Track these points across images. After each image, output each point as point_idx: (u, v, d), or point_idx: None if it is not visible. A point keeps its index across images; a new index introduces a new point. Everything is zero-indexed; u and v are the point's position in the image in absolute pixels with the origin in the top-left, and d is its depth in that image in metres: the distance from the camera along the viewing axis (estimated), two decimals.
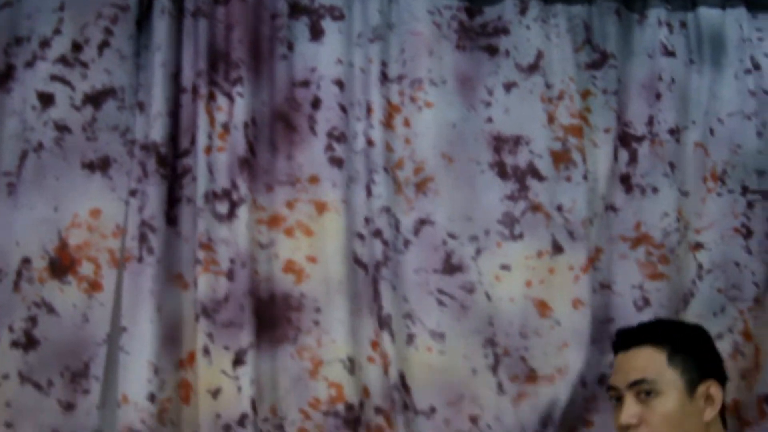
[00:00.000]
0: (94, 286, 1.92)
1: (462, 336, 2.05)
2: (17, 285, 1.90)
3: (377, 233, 2.06)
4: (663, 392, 1.63)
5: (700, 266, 2.13)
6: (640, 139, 2.17)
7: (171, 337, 1.96)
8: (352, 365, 1.98)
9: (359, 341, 2.01)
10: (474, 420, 2.01)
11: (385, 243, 2.05)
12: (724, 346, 2.09)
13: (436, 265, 2.07)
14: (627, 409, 1.63)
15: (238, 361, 1.94)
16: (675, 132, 2.18)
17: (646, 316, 2.07)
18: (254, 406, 1.92)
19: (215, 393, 1.91)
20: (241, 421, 1.91)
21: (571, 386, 2.03)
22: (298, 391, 1.97)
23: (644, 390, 1.63)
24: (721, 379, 1.68)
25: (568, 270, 2.08)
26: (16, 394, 1.85)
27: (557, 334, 2.06)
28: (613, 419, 1.67)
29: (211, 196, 2.01)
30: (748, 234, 2.15)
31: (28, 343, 1.88)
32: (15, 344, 1.87)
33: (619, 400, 1.66)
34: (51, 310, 1.90)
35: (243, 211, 2.01)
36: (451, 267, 2.08)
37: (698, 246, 2.15)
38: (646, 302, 2.10)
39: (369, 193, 2.07)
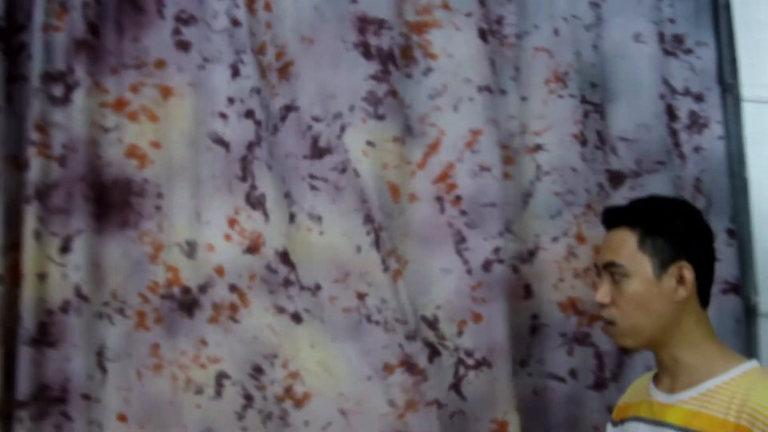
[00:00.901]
0: None
1: (341, 216, 2.05)
2: None
3: (249, 113, 2.05)
4: (631, 275, 1.65)
5: (538, 167, 2.20)
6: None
7: (7, 218, 1.91)
8: (191, 249, 1.98)
9: (209, 222, 2.00)
10: (361, 297, 2.03)
11: (258, 123, 2.04)
12: (559, 249, 2.19)
13: (305, 150, 2.07)
14: (602, 288, 1.67)
15: (65, 248, 1.93)
16: (520, 36, 2.23)
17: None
18: (80, 293, 1.91)
19: (41, 277, 1.90)
20: (64, 307, 1.91)
21: (456, 278, 2.06)
22: (139, 275, 1.97)
23: (616, 272, 1.66)
24: (698, 259, 1.66)
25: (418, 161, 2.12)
26: None
27: (402, 221, 2.09)
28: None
29: (48, 78, 1.95)
30: (584, 142, 2.23)
31: None
32: None
33: (599, 277, 1.70)
34: None
35: (79, 96, 1.97)
36: (319, 151, 2.07)
37: (537, 147, 2.20)
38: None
39: (236, 72, 2.05)
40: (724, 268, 2.15)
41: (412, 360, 2.02)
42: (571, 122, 2.21)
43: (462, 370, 2.03)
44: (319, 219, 2.05)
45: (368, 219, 2.07)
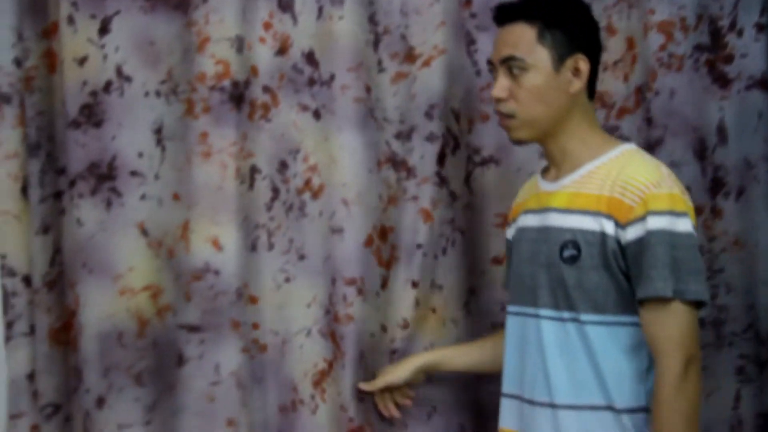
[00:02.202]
0: None
1: (359, 3, 2.07)
2: None
3: None
4: (530, 68, 1.70)
5: None
6: None
7: (34, 4, 1.97)
8: (240, 44, 2.02)
9: (250, 22, 2.04)
10: (368, 90, 2.06)
11: None
12: None
13: None
14: (498, 83, 1.73)
15: (103, 29, 1.98)
16: None
17: None
18: (121, 73, 1.98)
19: (81, 61, 1.96)
20: (107, 87, 1.98)
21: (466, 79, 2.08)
22: (187, 62, 2.01)
23: (515, 66, 1.71)
24: (592, 53, 1.73)
25: None
26: None
27: (436, 10, 2.08)
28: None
29: None
30: None
31: None
32: None
33: (495, 74, 1.75)
34: None
35: None
36: None
37: None
38: None
39: None
40: (750, 63, 2.08)
41: (397, 158, 2.09)
42: None
43: (470, 166, 2.10)
44: (341, 3, 2.05)
45: (371, 20, 2.09)
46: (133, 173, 1.99)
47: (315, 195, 2.05)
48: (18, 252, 1.92)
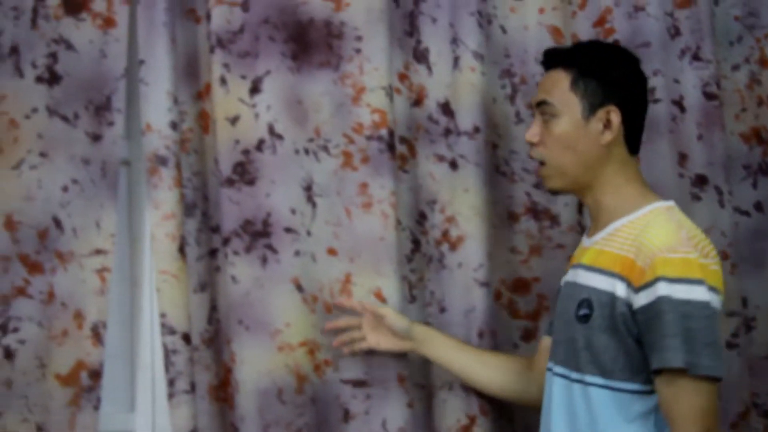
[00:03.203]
0: (108, 22, 1.98)
1: (493, 63, 2.09)
2: (35, 22, 1.97)
3: None
4: (560, 114, 1.69)
5: None
6: None
7: (188, 69, 2.03)
8: (392, 93, 2.04)
9: (393, 73, 2.05)
10: (494, 147, 2.09)
11: None
12: (740, 77, 2.10)
13: None
14: (532, 128, 1.73)
15: (254, 89, 2.01)
16: None
17: (678, 44, 2.08)
18: (273, 131, 2.00)
19: (233, 120, 1.99)
20: (259, 145, 2.00)
21: None
22: (341, 116, 2.03)
23: (547, 112, 1.70)
24: (628, 106, 1.70)
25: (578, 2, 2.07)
26: (46, 126, 1.96)
27: None
28: None
29: None
30: None
31: (51, 78, 1.97)
32: (39, 79, 1.96)
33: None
34: (69, 46, 1.97)
35: None
36: None
37: None
38: (677, 31, 2.09)
39: None
40: None
41: (539, 207, 2.07)
42: None
43: None
44: (482, 58, 2.06)
45: (507, 73, 2.08)
46: (287, 230, 2.00)
47: (453, 246, 2.03)
48: (177, 310, 1.94)
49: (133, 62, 2.02)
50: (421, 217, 2.06)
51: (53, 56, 1.97)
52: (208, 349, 1.99)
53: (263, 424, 1.93)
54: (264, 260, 1.98)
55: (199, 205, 2.01)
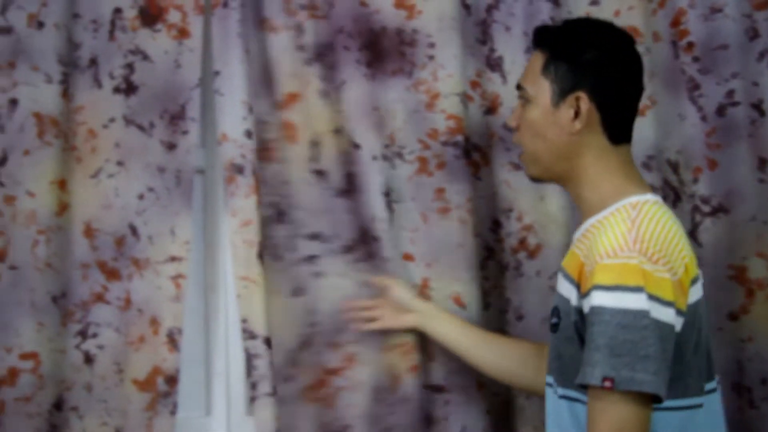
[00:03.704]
0: (183, 32, 2.01)
1: None
2: (112, 34, 2.00)
3: None
4: (532, 100, 1.59)
5: None
6: None
7: (264, 79, 2.04)
8: (466, 100, 2.03)
9: (464, 81, 2.05)
10: None
11: None
12: None
13: None
14: (514, 111, 1.65)
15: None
16: None
17: (756, 47, 2.03)
18: (353, 142, 2.03)
19: (337, 132, 2.03)
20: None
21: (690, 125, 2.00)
22: (415, 122, 2.03)
23: (522, 96, 1.62)
24: (604, 92, 1.55)
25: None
26: (122, 135, 2.00)
27: (648, 61, 1.99)
28: None
29: None
30: None
31: (128, 88, 2.01)
32: (117, 90, 2.00)
33: None
34: (145, 57, 2.01)
35: None
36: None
37: None
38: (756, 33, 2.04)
39: None
40: None
41: None
42: None
43: (698, 217, 2.00)
44: None
45: None
46: (375, 238, 2.02)
47: (532, 255, 2.01)
48: (258, 315, 1.95)
49: (207, 72, 2.05)
50: (495, 225, 2.04)
51: (130, 67, 2.01)
52: (304, 352, 2.00)
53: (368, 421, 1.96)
54: (384, 265, 2.00)
55: (289, 213, 2.02)
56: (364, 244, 2.00)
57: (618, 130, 1.57)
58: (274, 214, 2.01)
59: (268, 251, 1.99)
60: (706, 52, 2.00)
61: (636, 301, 1.38)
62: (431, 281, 1.99)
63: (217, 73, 2.00)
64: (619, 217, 1.48)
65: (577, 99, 1.54)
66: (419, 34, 2.03)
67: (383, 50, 2.03)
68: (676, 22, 2.00)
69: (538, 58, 1.59)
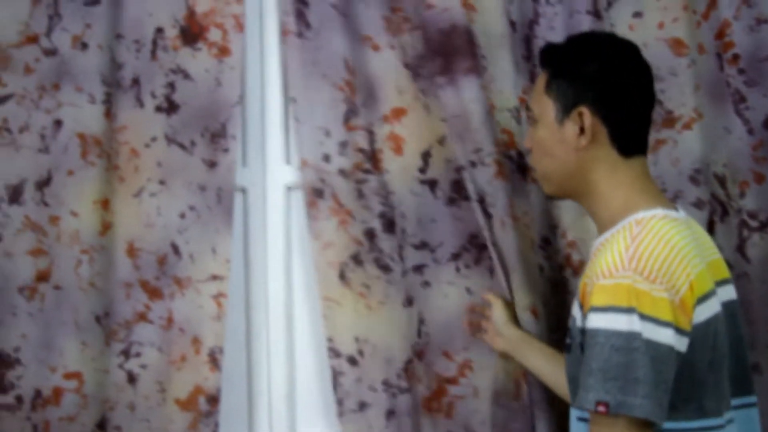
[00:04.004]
0: (223, 50, 2.02)
1: None
2: (154, 54, 2.02)
3: None
4: (538, 119, 1.57)
5: None
6: None
7: (370, 94, 2.04)
8: (519, 115, 2.01)
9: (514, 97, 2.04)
10: None
11: (536, 0, 2.04)
12: None
13: (588, 6, 2.01)
14: (527, 133, 1.63)
15: None
16: None
17: None
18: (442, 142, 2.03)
19: (441, 141, 2.03)
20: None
21: (736, 138, 1.96)
22: (490, 123, 1.99)
23: (530, 117, 1.60)
24: (608, 105, 1.51)
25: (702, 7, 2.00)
26: (164, 154, 2.01)
27: (693, 73, 2.00)
28: None
29: None
30: None
31: (169, 107, 2.02)
32: (158, 109, 2.02)
33: None
34: (186, 75, 2.02)
35: None
36: (595, 11, 2.02)
37: None
38: None
39: None
40: None
41: None
42: None
43: (745, 232, 1.96)
44: None
45: None
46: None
47: (576, 272, 1.99)
48: (343, 335, 1.98)
49: (246, 89, 2.06)
50: (545, 242, 2.02)
51: (171, 86, 2.02)
52: (420, 362, 2.01)
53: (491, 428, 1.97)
54: (491, 271, 2.01)
55: (398, 223, 2.03)
56: (471, 251, 2.01)
57: (628, 142, 1.53)
58: (383, 224, 2.02)
59: (376, 262, 2.01)
60: (751, 64, 1.96)
61: (627, 323, 1.34)
62: (513, 291, 1.96)
63: (293, 100, 2.02)
64: (622, 235, 1.44)
65: (580, 114, 1.52)
66: (477, 38, 2.02)
67: (455, 48, 2.00)
68: (720, 34, 1.97)
69: (542, 78, 1.58)
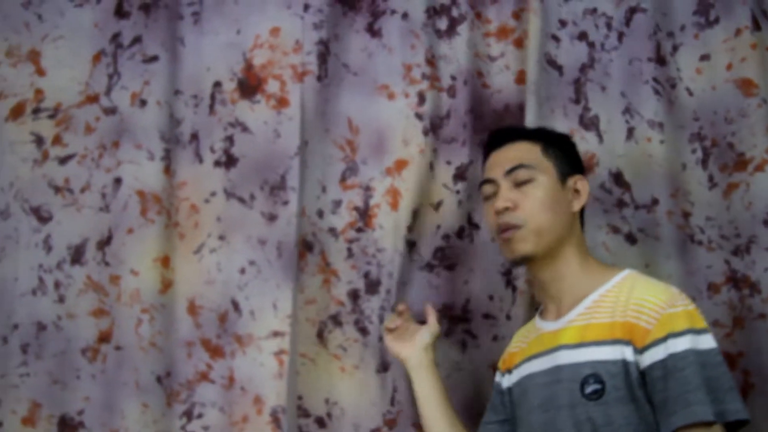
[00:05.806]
0: (281, 102, 2.00)
1: (672, 128, 1.99)
2: (212, 108, 2.01)
3: (581, 35, 2.04)
4: (537, 178, 1.67)
5: None
6: None
7: (378, 144, 2.03)
8: None
9: None
10: (685, 215, 1.96)
11: (591, 45, 2.02)
12: None
13: (650, 53, 2.00)
14: (503, 194, 1.67)
15: (459, 176, 2.02)
16: None
17: None
18: (471, 221, 2.00)
19: (437, 206, 2.00)
20: (460, 233, 2.00)
21: None
22: None
23: (521, 177, 1.67)
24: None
25: None
26: (223, 209, 1.99)
27: (763, 113, 1.94)
28: (486, 216, 1.74)
29: (432, 12, 2.06)
30: None
31: (228, 161, 2.00)
32: (217, 163, 2.00)
33: (494, 194, 1.69)
34: (245, 128, 2.00)
35: (464, 29, 2.05)
36: (659, 58, 2.01)
37: None
38: None
39: None
40: None
41: (738, 275, 1.91)
42: None
43: None
44: (660, 126, 1.97)
45: (696, 137, 1.97)
46: (486, 316, 1.97)
47: None
48: (313, 394, 1.93)
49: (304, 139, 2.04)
50: None
51: (230, 139, 2.00)
52: (391, 431, 1.94)
53: None
54: (463, 345, 1.96)
55: (384, 282, 1.98)
56: (443, 323, 1.94)
57: (583, 219, 1.75)
58: (367, 284, 1.97)
59: (356, 324, 1.96)
60: None
61: (708, 341, 1.52)
62: None
63: (305, 143, 1.99)
64: (643, 281, 1.61)
65: (576, 181, 1.71)
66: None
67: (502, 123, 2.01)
68: None
69: (531, 145, 1.71)
